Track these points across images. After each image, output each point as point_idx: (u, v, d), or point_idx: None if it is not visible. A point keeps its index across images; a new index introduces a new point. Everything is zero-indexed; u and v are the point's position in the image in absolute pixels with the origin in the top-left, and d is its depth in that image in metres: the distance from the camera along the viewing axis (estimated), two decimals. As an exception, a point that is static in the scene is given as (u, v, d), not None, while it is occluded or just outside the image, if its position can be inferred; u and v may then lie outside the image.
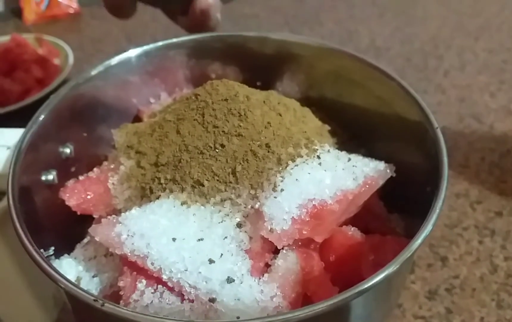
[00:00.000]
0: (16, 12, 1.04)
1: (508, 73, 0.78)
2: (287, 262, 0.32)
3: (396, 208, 0.39)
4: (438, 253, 0.52)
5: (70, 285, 0.27)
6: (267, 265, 0.33)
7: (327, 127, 0.42)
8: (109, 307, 0.25)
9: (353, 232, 0.35)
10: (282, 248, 0.33)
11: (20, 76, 0.78)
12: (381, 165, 0.37)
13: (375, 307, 0.33)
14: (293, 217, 0.32)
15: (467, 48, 0.84)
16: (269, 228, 0.32)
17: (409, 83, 0.40)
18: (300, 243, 0.33)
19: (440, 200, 0.30)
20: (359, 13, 0.97)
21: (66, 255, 0.36)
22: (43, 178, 0.38)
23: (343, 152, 0.38)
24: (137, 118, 0.46)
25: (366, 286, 0.26)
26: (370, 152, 0.39)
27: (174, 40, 0.46)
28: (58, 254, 0.36)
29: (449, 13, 0.95)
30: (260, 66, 0.46)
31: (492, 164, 0.62)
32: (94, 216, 0.37)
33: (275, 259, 0.33)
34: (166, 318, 0.26)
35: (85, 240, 0.36)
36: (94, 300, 0.26)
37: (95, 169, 0.39)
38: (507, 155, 0.63)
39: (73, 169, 0.41)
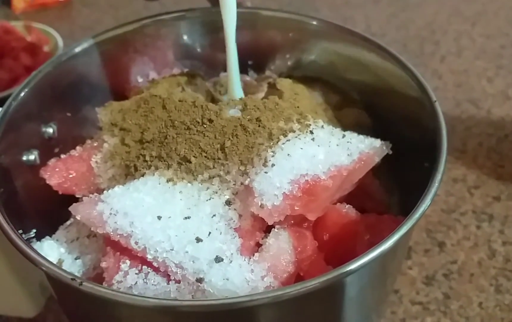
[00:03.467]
0: (4, 0, 1.02)
1: (505, 58, 0.77)
2: (279, 241, 0.31)
3: (394, 187, 0.38)
4: (435, 238, 0.52)
5: (48, 265, 0.26)
6: (258, 245, 0.31)
7: (323, 105, 0.41)
8: (87, 286, 0.24)
9: (347, 210, 0.33)
10: (274, 227, 0.32)
11: (8, 64, 0.77)
12: (376, 142, 0.36)
13: (370, 291, 0.32)
14: (284, 192, 0.31)
15: (464, 34, 0.84)
16: (260, 204, 0.30)
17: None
18: (292, 222, 0.32)
19: (439, 173, 0.29)
20: (354, -1, 0.96)
21: (47, 237, 0.34)
22: (24, 158, 0.37)
23: (338, 129, 0.36)
24: (124, 98, 0.44)
25: (360, 262, 0.25)
26: (367, 129, 0.38)
27: (162, 17, 0.45)
28: (40, 237, 0.35)
29: (446, -2, 0.94)
30: (252, 44, 0.44)
31: (490, 149, 0.62)
32: (77, 196, 0.36)
33: (267, 238, 0.31)
34: (146, 297, 0.24)
35: (68, 222, 0.35)
36: (72, 279, 0.24)
37: (77, 147, 0.37)
38: (504, 140, 0.63)
39: (56, 150, 0.40)
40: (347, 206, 0.34)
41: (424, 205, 0.27)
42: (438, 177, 0.29)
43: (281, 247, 0.30)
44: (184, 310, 0.24)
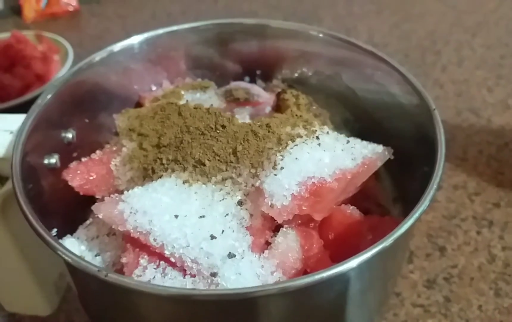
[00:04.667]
0: (15, 10, 1.04)
1: (505, 68, 0.78)
2: (287, 239, 0.32)
3: (395, 190, 0.40)
4: (436, 243, 0.52)
5: (75, 258, 0.28)
6: (268, 243, 0.33)
7: (327, 113, 0.43)
8: (112, 277, 0.26)
9: (351, 211, 0.35)
10: (282, 226, 0.33)
11: (20, 72, 0.78)
12: (379, 148, 0.37)
13: (371, 292, 0.33)
14: (293, 193, 0.32)
15: (464, 44, 0.85)
16: (270, 204, 0.32)
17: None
18: (299, 222, 0.34)
19: (437, 175, 0.30)
20: (357, 10, 0.98)
21: (68, 235, 0.36)
22: (46, 161, 0.39)
23: (342, 135, 0.38)
24: (139, 105, 0.46)
25: (362, 257, 0.26)
26: (369, 137, 0.39)
27: (175, 28, 0.47)
28: (60, 237, 0.36)
29: (447, 9, 0.96)
30: (260, 54, 0.46)
31: (490, 157, 0.62)
32: (97, 197, 0.37)
33: (276, 236, 0.33)
34: (167, 286, 0.26)
35: (88, 221, 0.37)
36: (98, 271, 0.26)
37: (97, 151, 0.39)
38: (504, 148, 0.63)
39: (75, 154, 0.41)
40: (351, 207, 0.36)
41: (423, 206, 0.29)
42: (437, 179, 0.30)
43: (289, 245, 0.32)
44: (202, 299, 0.26)
